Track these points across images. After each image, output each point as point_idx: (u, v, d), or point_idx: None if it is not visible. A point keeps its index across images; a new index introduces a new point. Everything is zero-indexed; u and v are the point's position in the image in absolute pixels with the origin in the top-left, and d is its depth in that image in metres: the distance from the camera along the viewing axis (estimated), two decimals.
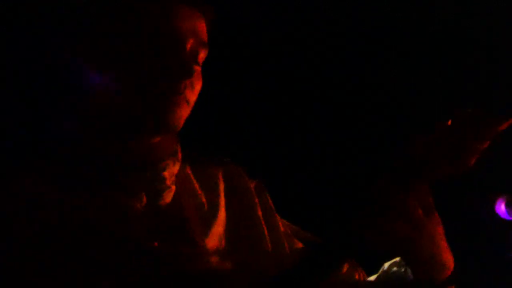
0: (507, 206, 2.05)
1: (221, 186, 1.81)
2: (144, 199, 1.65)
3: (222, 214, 1.77)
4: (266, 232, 1.80)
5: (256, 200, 1.83)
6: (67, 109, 1.65)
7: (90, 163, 1.63)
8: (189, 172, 1.78)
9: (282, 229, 1.85)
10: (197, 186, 1.77)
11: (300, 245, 1.88)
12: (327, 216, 2.31)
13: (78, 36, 1.62)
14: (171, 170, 1.69)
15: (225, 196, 1.80)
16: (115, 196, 1.63)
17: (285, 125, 2.81)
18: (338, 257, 1.62)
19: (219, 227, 1.75)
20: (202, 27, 1.67)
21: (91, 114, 1.63)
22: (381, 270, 1.80)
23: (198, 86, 1.66)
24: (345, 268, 1.80)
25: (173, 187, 1.70)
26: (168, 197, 1.69)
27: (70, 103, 1.64)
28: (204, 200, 1.76)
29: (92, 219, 1.59)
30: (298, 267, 1.61)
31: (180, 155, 1.73)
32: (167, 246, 1.64)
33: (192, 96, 1.65)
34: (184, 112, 1.63)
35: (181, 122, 1.64)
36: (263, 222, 1.81)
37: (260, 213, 1.82)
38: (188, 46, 1.64)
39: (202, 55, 1.67)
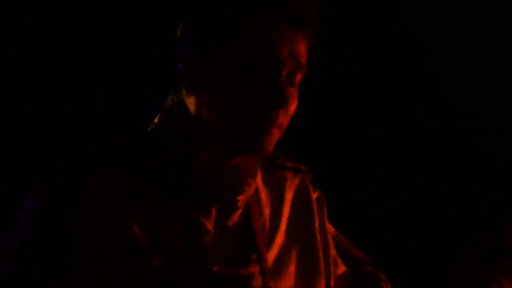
0: None
1: (287, 198, 1.82)
2: (213, 217, 1.69)
3: (282, 229, 1.79)
4: (321, 252, 1.83)
5: (316, 215, 1.84)
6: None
7: (179, 173, 1.67)
8: (259, 179, 1.78)
9: (332, 251, 1.87)
10: (264, 198, 1.79)
11: (342, 268, 1.90)
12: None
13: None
14: (246, 193, 1.72)
15: (289, 210, 1.81)
16: (186, 209, 1.67)
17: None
18: None
19: (278, 245, 1.77)
20: (301, 48, 1.65)
21: (204, 119, 1.66)
22: None
23: (292, 109, 1.66)
24: None
25: (243, 206, 1.73)
26: (236, 216, 1.72)
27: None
28: (268, 213, 1.78)
29: (161, 229, 1.65)
30: None
31: (259, 177, 1.76)
32: (226, 269, 1.68)
33: (285, 120, 1.66)
34: (275, 137, 1.66)
35: (271, 147, 1.66)
36: (319, 240, 1.83)
37: (318, 231, 1.84)
38: (285, 71, 1.64)
39: (299, 77, 1.66)
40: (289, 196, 1.83)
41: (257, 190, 1.78)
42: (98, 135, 1.83)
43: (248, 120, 1.63)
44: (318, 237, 1.84)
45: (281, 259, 1.78)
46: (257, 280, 1.72)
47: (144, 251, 1.63)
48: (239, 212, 1.73)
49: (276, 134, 1.65)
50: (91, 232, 1.61)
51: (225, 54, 1.63)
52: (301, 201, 1.84)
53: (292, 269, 1.79)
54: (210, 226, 1.69)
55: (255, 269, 1.72)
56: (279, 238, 1.79)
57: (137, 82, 2.50)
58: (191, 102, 1.69)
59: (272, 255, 1.76)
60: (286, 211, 1.81)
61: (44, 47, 2.45)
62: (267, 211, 1.79)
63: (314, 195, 1.86)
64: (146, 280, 1.63)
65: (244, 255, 1.72)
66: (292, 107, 1.66)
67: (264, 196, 1.80)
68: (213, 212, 1.70)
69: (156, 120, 1.73)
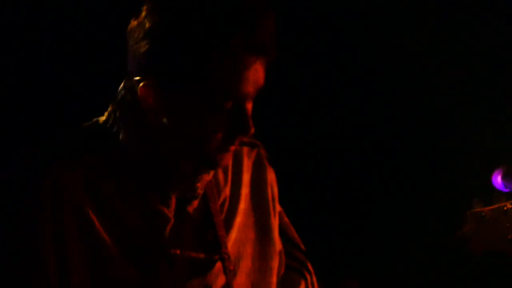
0: (503, 178, 2.00)
1: (245, 175, 1.87)
2: (173, 205, 1.74)
3: (242, 208, 1.85)
4: (275, 232, 1.90)
5: (270, 194, 1.90)
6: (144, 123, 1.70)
7: (144, 164, 1.71)
8: None
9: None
10: (222, 178, 1.83)
11: (280, 246, 1.94)
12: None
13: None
14: (205, 179, 1.77)
15: (248, 188, 1.87)
16: (147, 199, 1.72)
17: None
18: None
19: (238, 225, 1.83)
20: (262, 74, 1.68)
21: (163, 133, 1.69)
22: None
23: None
24: None
25: (201, 192, 1.78)
26: (196, 202, 1.78)
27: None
28: (228, 193, 1.84)
29: (123, 219, 1.70)
30: None
31: None
32: (187, 253, 1.75)
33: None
34: (232, 152, 1.72)
35: (229, 161, 1.75)
36: (272, 220, 1.89)
37: (271, 210, 1.90)
38: (250, 100, 1.68)
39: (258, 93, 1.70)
40: (247, 172, 1.88)
41: (214, 172, 1.82)
42: (53, 126, 1.86)
43: (211, 147, 1.68)
44: (272, 215, 1.90)
45: (241, 239, 1.84)
46: (218, 263, 1.79)
47: (103, 238, 1.68)
48: (198, 198, 1.79)
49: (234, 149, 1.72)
50: (52, 223, 1.65)
51: (190, 86, 1.64)
52: (258, 179, 1.90)
53: (250, 250, 1.85)
54: (170, 214, 1.75)
55: (215, 252, 1.79)
56: (239, 218, 1.85)
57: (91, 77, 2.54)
58: (148, 109, 1.69)
59: (232, 235, 1.82)
60: (244, 189, 1.87)
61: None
62: (227, 190, 1.84)
63: (269, 173, 1.92)
64: (107, 266, 1.69)
65: (204, 240, 1.78)
66: None
67: (221, 176, 1.84)
68: (173, 200, 1.75)
69: (109, 111, 1.76)
